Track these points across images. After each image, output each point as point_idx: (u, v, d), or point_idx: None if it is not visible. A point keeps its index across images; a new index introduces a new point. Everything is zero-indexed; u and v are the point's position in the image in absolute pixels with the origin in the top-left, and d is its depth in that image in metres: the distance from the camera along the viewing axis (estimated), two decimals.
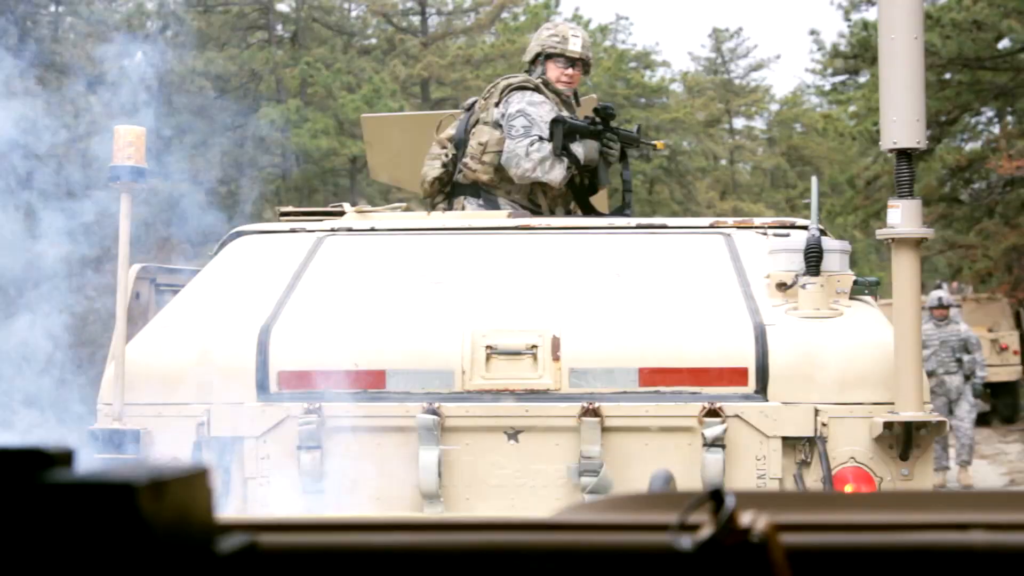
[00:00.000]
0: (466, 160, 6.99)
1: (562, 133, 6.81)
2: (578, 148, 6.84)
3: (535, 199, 6.96)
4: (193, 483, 1.14)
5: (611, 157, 6.97)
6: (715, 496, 1.30)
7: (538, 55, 7.17)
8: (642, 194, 38.65)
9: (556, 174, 6.80)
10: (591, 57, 7.25)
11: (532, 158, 6.76)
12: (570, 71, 7.11)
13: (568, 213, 7.12)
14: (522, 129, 6.81)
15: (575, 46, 7.09)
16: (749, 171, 46.61)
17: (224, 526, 1.22)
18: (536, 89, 6.98)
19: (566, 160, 6.81)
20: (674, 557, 1.29)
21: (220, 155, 35.19)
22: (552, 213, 7.01)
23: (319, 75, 35.16)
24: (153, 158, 5.73)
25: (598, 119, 6.95)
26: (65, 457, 1.04)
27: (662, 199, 39.41)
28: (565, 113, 7.01)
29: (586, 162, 6.88)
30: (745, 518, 1.30)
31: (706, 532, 1.29)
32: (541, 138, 6.80)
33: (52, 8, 35.20)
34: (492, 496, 5.37)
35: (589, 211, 7.18)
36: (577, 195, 7.12)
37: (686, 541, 1.29)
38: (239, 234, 6.29)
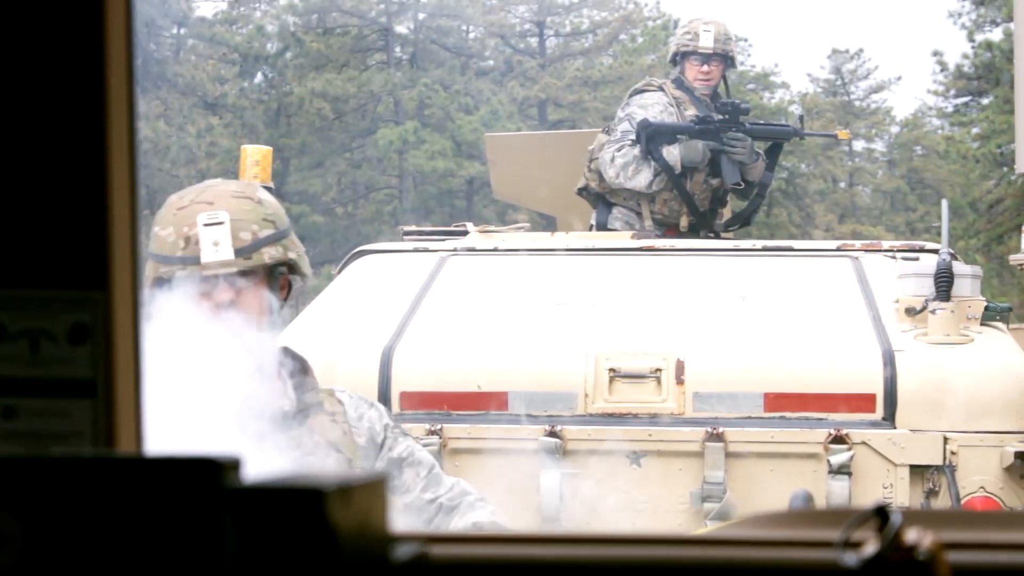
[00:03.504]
0: (584, 170, 6.90)
1: (647, 137, 6.51)
2: (673, 151, 6.56)
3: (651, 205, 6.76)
4: (374, 491, 1.13)
5: (735, 155, 6.61)
6: (880, 513, 1.27)
7: (675, 55, 6.95)
8: (760, 216, 38.46)
9: (641, 180, 6.58)
10: (731, 51, 6.90)
11: (616, 164, 6.60)
12: (705, 68, 6.81)
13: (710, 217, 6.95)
14: (620, 134, 6.64)
15: (707, 41, 6.78)
16: (869, 194, 46.19)
17: (397, 536, 1.21)
18: (660, 90, 6.78)
19: (653, 164, 6.57)
20: (839, 574, 1.27)
21: (338, 176, 35.57)
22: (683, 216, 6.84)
23: (437, 96, 35.42)
24: (273, 177, 5.76)
25: (715, 116, 6.65)
26: (234, 465, 1.03)
27: (780, 222, 39.17)
28: (691, 113, 6.71)
29: (688, 164, 6.57)
30: (911, 535, 1.27)
31: (871, 549, 1.26)
32: (635, 142, 6.58)
33: (175, 30, 35.77)
34: (613, 520, 5.32)
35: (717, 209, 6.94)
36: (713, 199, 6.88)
37: (851, 558, 1.27)
38: (361, 253, 6.30)
